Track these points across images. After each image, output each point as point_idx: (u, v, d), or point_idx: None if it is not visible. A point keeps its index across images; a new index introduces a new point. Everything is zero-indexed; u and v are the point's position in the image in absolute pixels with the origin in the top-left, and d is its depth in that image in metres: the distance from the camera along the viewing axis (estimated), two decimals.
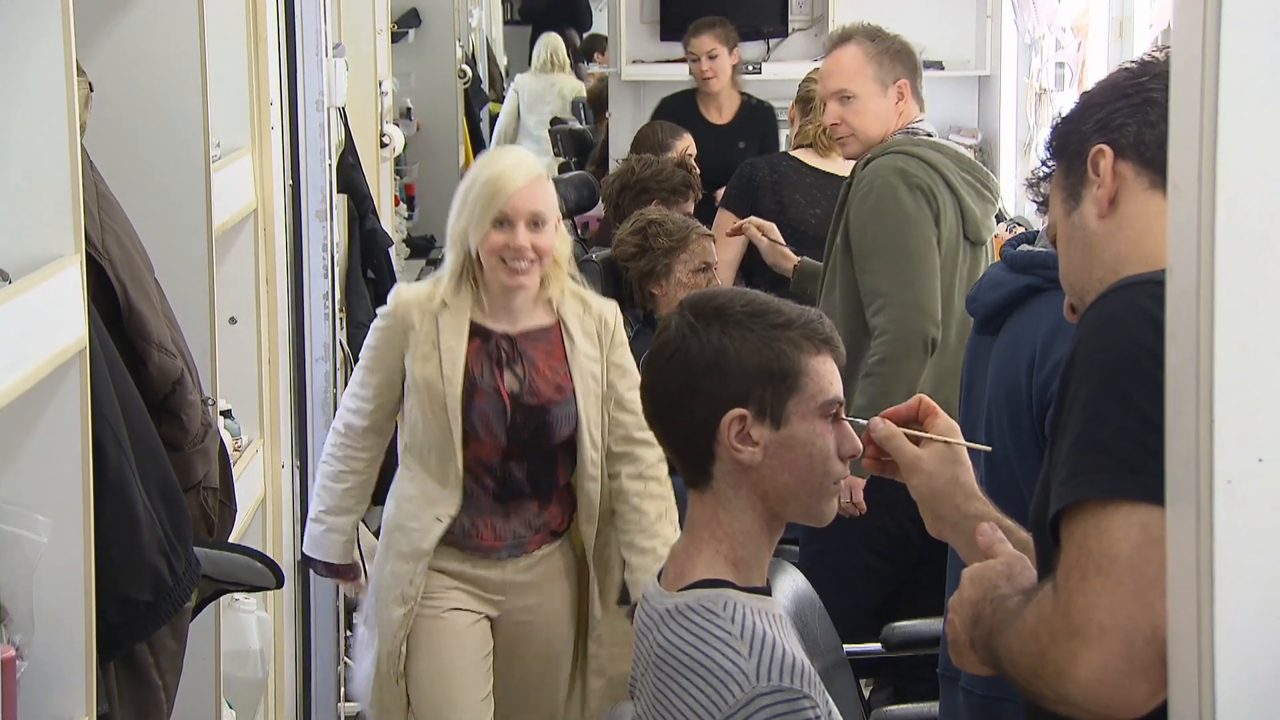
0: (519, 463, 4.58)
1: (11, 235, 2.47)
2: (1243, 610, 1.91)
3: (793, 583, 3.18)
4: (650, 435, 3.56)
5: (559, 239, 4.57)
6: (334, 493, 4.77)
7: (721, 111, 8.24)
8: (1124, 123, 2.39)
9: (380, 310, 4.65)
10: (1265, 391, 1.90)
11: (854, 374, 4.78)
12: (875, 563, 5.10)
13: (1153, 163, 2.29)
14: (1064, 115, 2.57)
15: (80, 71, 2.91)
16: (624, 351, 4.72)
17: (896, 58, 5.51)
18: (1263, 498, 1.90)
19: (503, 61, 11.49)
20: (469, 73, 10.37)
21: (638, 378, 4.02)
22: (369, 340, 4.64)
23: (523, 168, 4.50)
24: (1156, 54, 2.44)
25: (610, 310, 4.76)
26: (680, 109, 8.44)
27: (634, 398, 4.34)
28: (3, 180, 2.36)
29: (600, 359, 4.63)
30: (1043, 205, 2.56)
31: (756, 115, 8.17)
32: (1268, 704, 1.90)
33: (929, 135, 5.43)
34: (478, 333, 4.52)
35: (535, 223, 4.39)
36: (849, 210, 5.06)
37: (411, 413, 4.60)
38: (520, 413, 4.51)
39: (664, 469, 4.58)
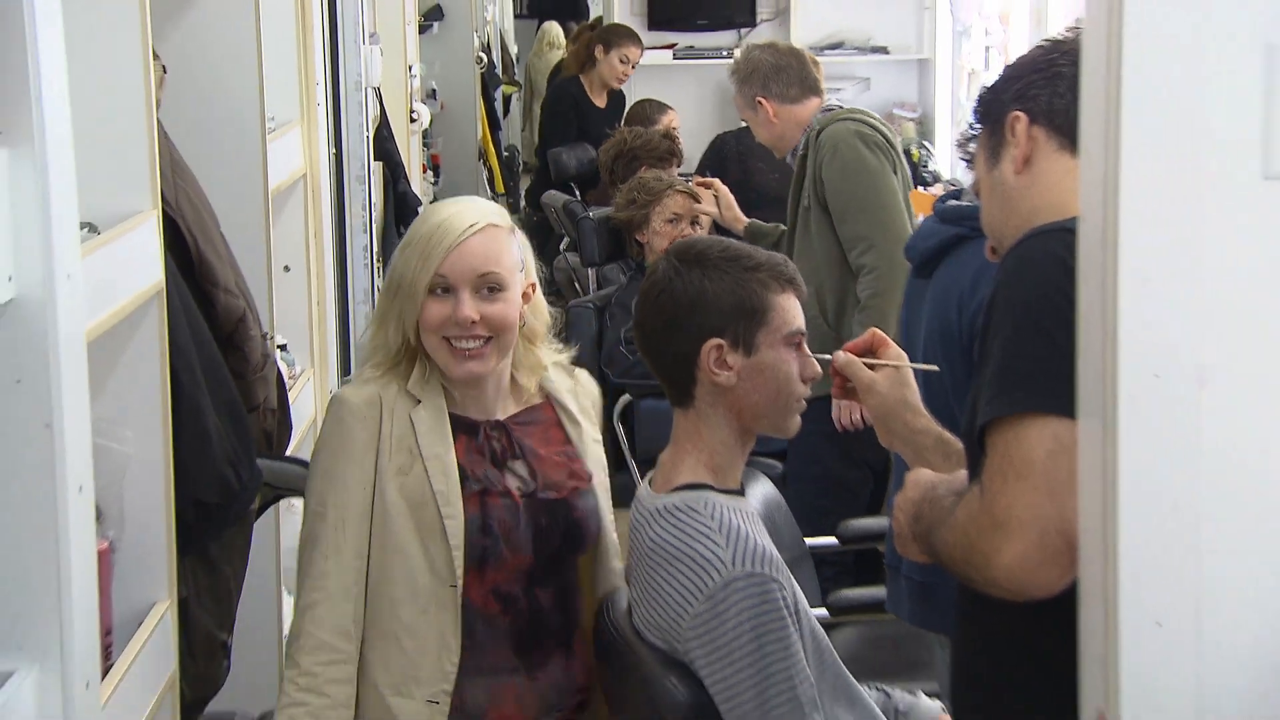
0: (545, 589, 2.87)
1: (99, 195, 2.46)
2: (1143, 505, 1.92)
3: (763, 488, 3.18)
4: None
5: (531, 309, 2.90)
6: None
7: (597, 99, 8.30)
8: (1038, 94, 2.39)
9: (334, 416, 2.83)
10: (1161, 319, 1.90)
11: (845, 306, 4.89)
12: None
13: (1062, 128, 2.30)
14: (987, 86, 2.57)
15: (155, 57, 2.90)
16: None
17: (745, 83, 5.50)
18: (1159, 408, 1.91)
19: (514, 50, 11.43)
20: (485, 59, 10.31)
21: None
22: (316, 466, 2.85)
23: (467, 216, 2.77)
24: (1066, 34, 2.44)
25: (593, 387, 3.14)
26: (572, 87, 8.63)
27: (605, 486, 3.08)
28: (91, 149, 2.34)
29: (601, 441, 3.10)
30: (969, 163, 2.56)
31: (618, 101, 8.19)
32: (1164, 584, 1.91)
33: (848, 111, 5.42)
34: (461, 426, 2.84)
35: (489, 288, 2.73)
36: (820, 173, 5.01)
37: (378, 554, 2.78)
38: (544, 514, 2.83)
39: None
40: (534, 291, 2.95)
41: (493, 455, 2.88)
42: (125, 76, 2.55)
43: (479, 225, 2.78)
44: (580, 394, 3.08)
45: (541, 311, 2.97)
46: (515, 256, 2.85)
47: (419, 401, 2.83)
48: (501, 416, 2.95)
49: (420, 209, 7.37)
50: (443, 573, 2.77)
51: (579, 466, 2.98)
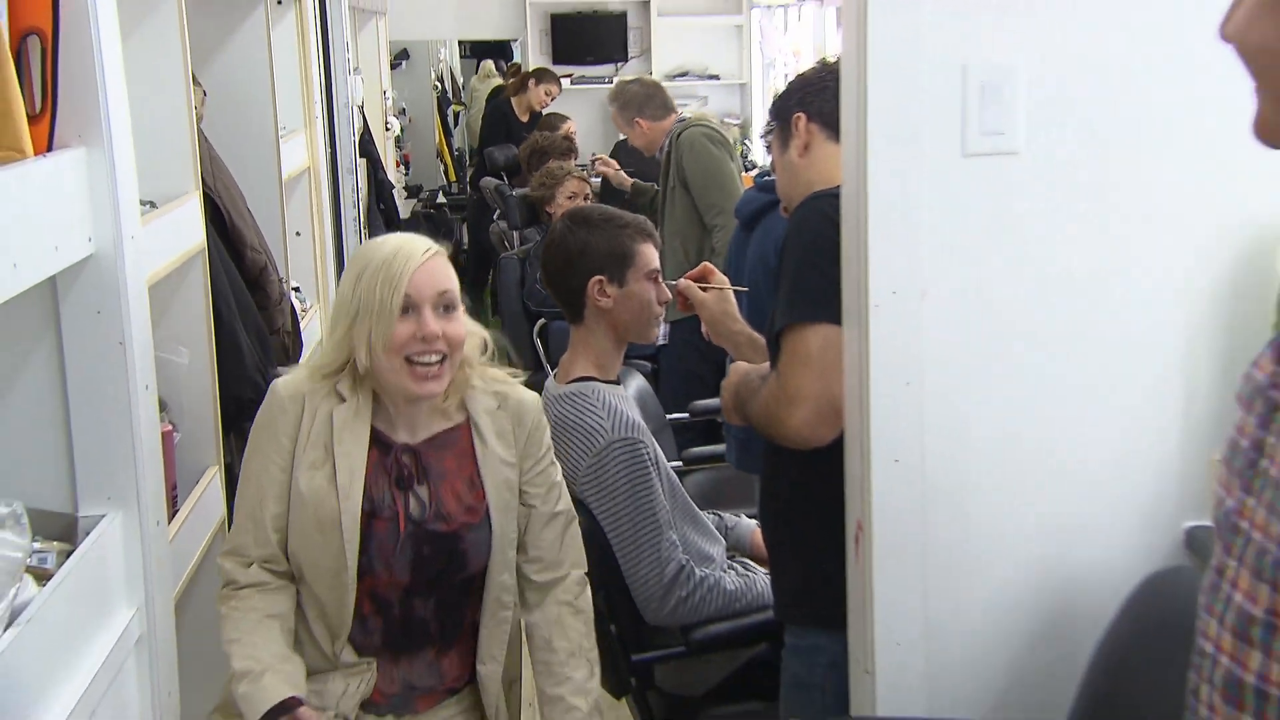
0: (424, 600, 2.23)
1: (156, 180, 2.44)
2: (885, 381, 1.95)
3: (637, 380, 3.20)
4: (572, 556, 2.32)
5: (470, 331, 2.24)
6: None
7: (522, 115, 8.22)
8: (813, 99, 2.38)
9: (270, 400, 2.22)
10: (895, 254, 1.93)
11: (701, 251, 4.83)
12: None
13: (830, 124, 2.28)
14: (778, 95, 2.57)
15: (196, 83, 2.86)
16: (548, 459, 2.33)
17: (622, 110, 5.63)
18: (895, 315, 1.94)
19: (460, 80, 11.26)
20: (440, 86, 10.18)
21: (563, 496, 2.34)
22: (251, 443, 2.24)
23: (419, 243, 2.22)
24: (831, 60, 2.44)
25: (531, 405, 2.31)
26: (504, 106, 8.46)
27: (558, 512, 2.31)
28: (149, 148, 2.31)
29: (515, 464, 2.27)
30: (769, 149, 2.56)
31: (538, 119, 8.13)
32: (900, 434, 1.95)
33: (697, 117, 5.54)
34: (377, 443, 2.21)
35: (445, 306, 2.16)
36: (681, 163, 5.05)
37: (295, 525, 2.20)
38: (427, 544, 2.21)
39: (585, 594, 2.34)
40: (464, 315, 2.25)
41: (399, 477, 2.19)
42: (171, 95, 2.51)
43: (433, 250, 2.18)
44: (501, 416, 2.27)
45: (475, 332, 2.26)
46: (456, 282, 2.23)
47: (343, 401, 2.17)
48: (422, 437, 2.23)
49: (393, 191, 7.31)
50: (336, 563, 2.13)
51: (478, 500, 2.21)
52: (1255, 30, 1.11)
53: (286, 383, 2.20)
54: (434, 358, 2.12)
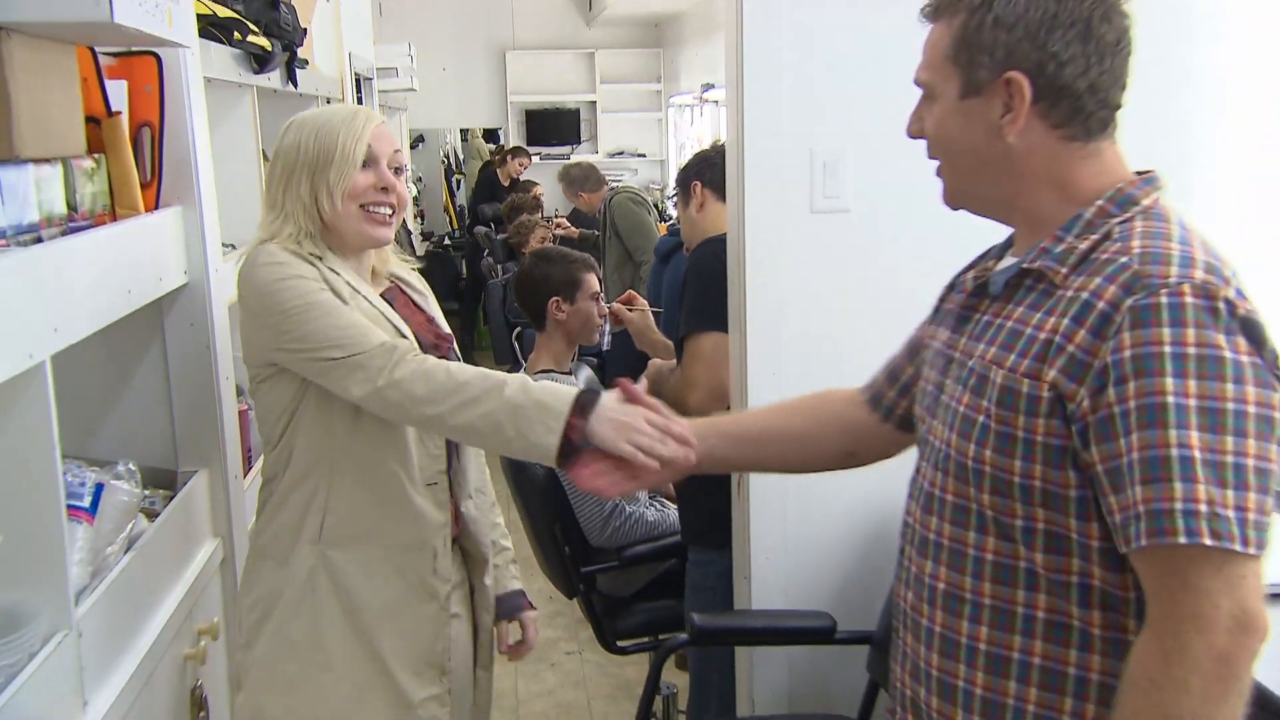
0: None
1: (234, 227, 2.35)
2: (759, 374, 1.94)
3: (585, 371, 3.16)
4: None
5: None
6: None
7: (504, 180, 8.07)
8: (706, 171, 2.36)
9: (274, 259, 1.52)
10: (765, 283, 1.91)
11: (632, 283, 4.71)
12: None
13: (719, 189, 2.28)
14: (681, 167, 2.55)
15: (265, 156, 2.78)
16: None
17: (568, 187, 5.85)
18: (764, 326, 1.94)
19: (461, 156, 11.13)
20: (447, 161, 10.02)
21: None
22: (298, 285, 1.51)
23: (371, 109, 1.80)
24: (719, 143, 2.44)
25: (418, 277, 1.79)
26: (492, 174, 8.27)
27: None
28: (230, 206, 2.24)
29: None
30: (677, 206, 2.54)
31: (516, 184, 8.03)
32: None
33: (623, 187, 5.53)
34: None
35: (397, 168, 1.64)
36: (614, 221, 5.00)
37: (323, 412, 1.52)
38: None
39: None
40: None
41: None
42: (245, 166, 2.44)
43: (384, 118, 1.69)
44: (418, 280, 1.76)
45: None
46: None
47: (322, 258, 1.56)
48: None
49: (412, 236, 7.14)
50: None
51: (440, 329, 1.70)
52: (947, 128, 1.14)
53: (273, 250, 1.53)
54: (386, 210, 1.59)
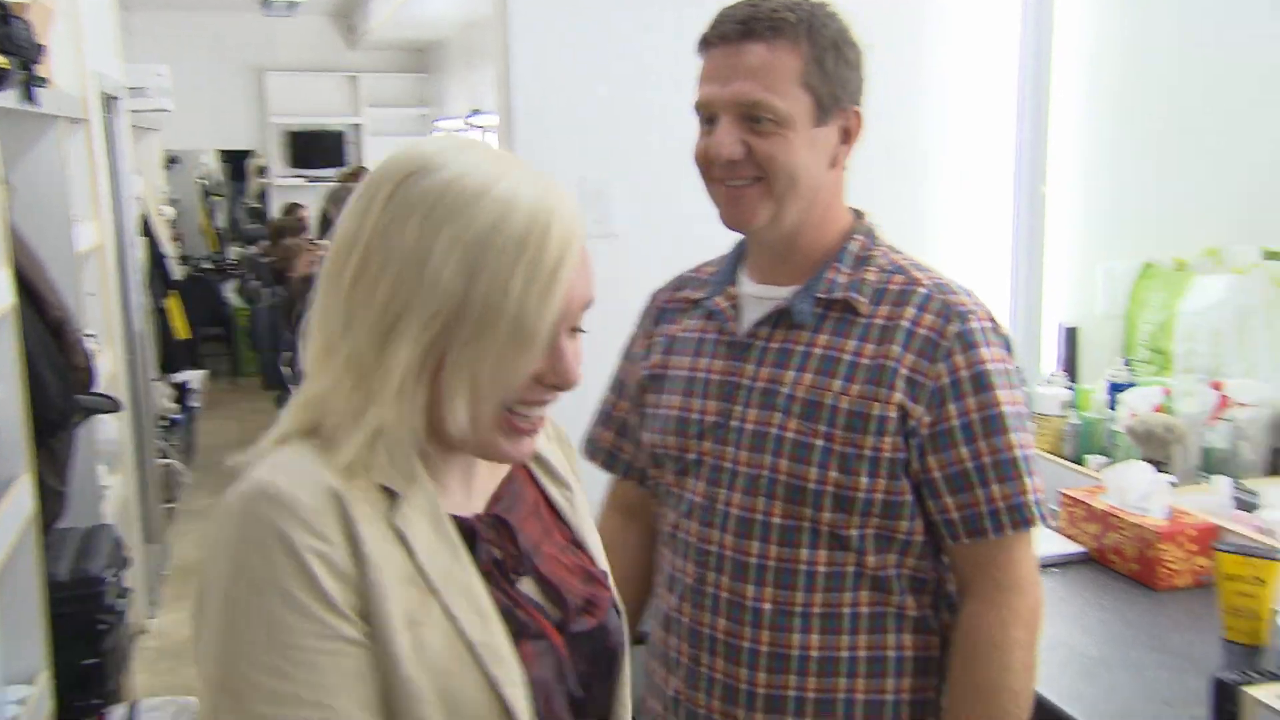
0: None
1: None
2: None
3: None
4: None
5: None
6: None
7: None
8: None
9: (257, 510, 0.60)
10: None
11: None
12: None
13: None
14: None
15: (5, 181, 2.53)
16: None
17: (335, 208, 5.58)
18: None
19: (220, 177, 10.44)
20: (203, 183, 9.41)
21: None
22: (230, 629, 0.61)
23: (569, 201, 0.69)
24: None
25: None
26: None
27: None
28: None
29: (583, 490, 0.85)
30: None
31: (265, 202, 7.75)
32: None
33: None
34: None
35: (574, 327, 0.70)
36: None
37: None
38: (583, 657, 0.73)
39: None
40: None
41: (502, 567, 0.78)
42: None
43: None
44: (557, 437, 0.96)
45: None
46: None
47: (396, 496, 0.71)
48: (479, 495, 0.82)
49: (166, 262, 6.68)
50: None
51: (592, 566, 0.87)
52: (797, 154, 1.08)
53: (292, 477, 0.70)
54: (539, 412, 0.80)
